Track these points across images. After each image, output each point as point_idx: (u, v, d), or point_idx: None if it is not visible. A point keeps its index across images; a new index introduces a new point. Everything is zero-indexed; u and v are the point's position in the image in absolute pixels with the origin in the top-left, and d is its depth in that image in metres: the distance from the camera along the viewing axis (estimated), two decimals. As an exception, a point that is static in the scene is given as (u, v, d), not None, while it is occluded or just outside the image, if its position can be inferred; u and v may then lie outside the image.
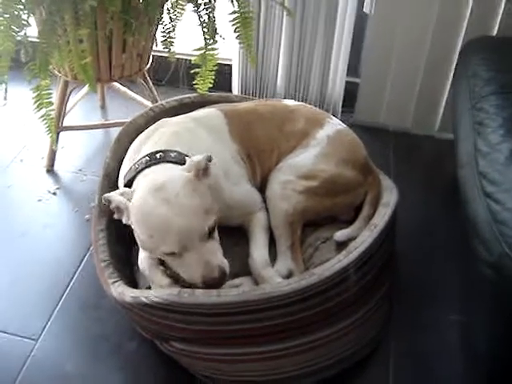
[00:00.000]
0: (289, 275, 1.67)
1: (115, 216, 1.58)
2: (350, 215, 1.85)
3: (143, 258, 1.67)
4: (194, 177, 1.51)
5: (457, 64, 2.37)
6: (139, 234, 1.51)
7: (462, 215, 1.68)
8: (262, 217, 1.80)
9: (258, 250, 1.72)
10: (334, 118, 2.01)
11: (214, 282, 1.47)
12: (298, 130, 1.91)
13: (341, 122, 2.00)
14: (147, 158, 1.62)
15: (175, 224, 1.44)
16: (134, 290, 1.57)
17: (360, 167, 1.86)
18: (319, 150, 1.85)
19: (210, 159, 1.55)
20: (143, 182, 1.55)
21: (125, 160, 1.79)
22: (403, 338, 1.81)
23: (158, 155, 1.62)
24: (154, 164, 1.60)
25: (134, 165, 1.64)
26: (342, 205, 1.83)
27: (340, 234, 1.75)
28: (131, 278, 1.75)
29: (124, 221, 1.55)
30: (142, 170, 1.61)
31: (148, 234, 1.48)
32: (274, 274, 1.65)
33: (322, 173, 1.79)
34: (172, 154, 1.62)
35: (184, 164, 1.57)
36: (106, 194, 1.57)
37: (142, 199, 1.49)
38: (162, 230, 1.45)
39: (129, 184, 1.62)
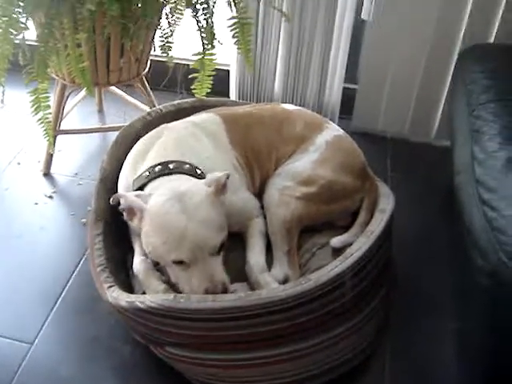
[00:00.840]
0: (285, 281, 1.67)
1: (125, 217, 1.60)
2: (347, 221, 1.85)
3: (138, 263, 1.67)
4: (214, 192, 1.56)
5: (454, 71, 2.38)
6: (151, 238, 1.53)
7: (458, 222, 1.68)
8: (260, 223, 1.80)
9: (255, 256, 1.72)
10: (332, 123, 2.02)
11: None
12: (297, 133, 1.92)
13: (339, 128, 2.00)
14: (160, 166, 1.65)
15: (191, 234, 1.48)
16: (130, 295, 1.57)
17: (358, 173, 1.87)
18: (318, 155, 1.86)
19: (228, 176, 1.60)
20: (162, 188, 1.57)
21: (123, 170, 1.80)
22: (399, 345, 1.81)
23: (171, 165, 1.64)
24: (168, 174, 1.63)
25: (144, 172, 1.66)
26: (339, 210, 1.84)
27: (336, 241, 1.75)
28: (127, 282, 1.74)
29: (135, 223, 1.58)
30: (155, 178, 1.63)
31: (162, 240, 1.50)
32: (271, 280, 1.65)
33: (320, 179, 1.80)
34: (185, 166, 1.65)
35: (195, 176, 1.62)
36: (121, 193, 1.61)
37: (161, 205, 1.52)
38: (178, 237, 1.48)
39: (139, 190, 1.64)
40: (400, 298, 1.93)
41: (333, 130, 1.96)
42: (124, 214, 1.60)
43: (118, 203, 1.60)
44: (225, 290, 1.51)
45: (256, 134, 1.91)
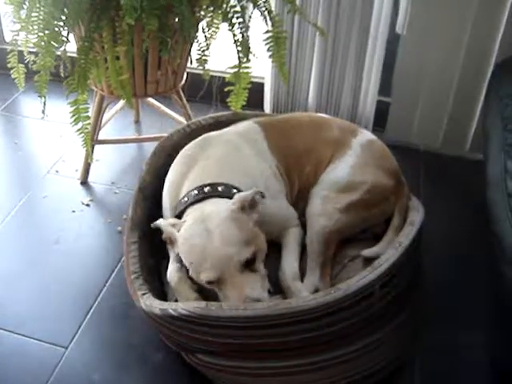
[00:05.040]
0: (315, 292, 1.67)
1: (168, 246, 1.67)
2: (382, 228, 1.85)
3: (172, 271, 1.70)
4: (238, 208, 1.57)
5: (489, 84, 2.37)
6: (184, 262, 1.58)
7: (490, 236, 1.68)
8: (297, 232, 1.82)
9: (289, 263, 1.73)
10: (364, 129, 2.05)
11: None
12: (334, 137, 1.95)
13: (371, 133, 2.03)
14: (196, 191, 1.68)
15: (211, 253, 1.50)
16: (163, 303, 1.59)
17: (393, 174, 1.88)
18: (355, 159, 1.88)
19: (262, 195, 1.62)
20: (191, 216, 1.62)
21: (165, 190, 1.83)
22: (429, 357, 1.81)
23: (206, 189, 1.67)
24: (203, 199, 1.65)
25: (183, 198, 1.70)
26: (378, 215, 1.84)
27: (368, 251, 1.76)
28: (160, 290, 1.77)
29: (174, 251, 1.63)
30: (192, 204, 1.66)
31: (189, 262, 1.55)
32: (302, 288, 1.67)
33: (362, 184, 1.81)
34: (219, 188, 1.67)
35: (230, 197, 1.63)
36: (159, 223, 1.66)
37: (187, 229, 1.57)
38: (200, 258, 1.51)
39: (179, 216, 1.68)
40: (430, 310, 1.94)
41: (366, 135, 1.99)
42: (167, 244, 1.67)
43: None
44: None
45: (295, 139, 1.93)
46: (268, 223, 1.73)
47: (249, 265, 1.52)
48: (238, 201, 1.58)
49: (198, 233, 1.53)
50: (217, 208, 1.59)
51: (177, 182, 1.78)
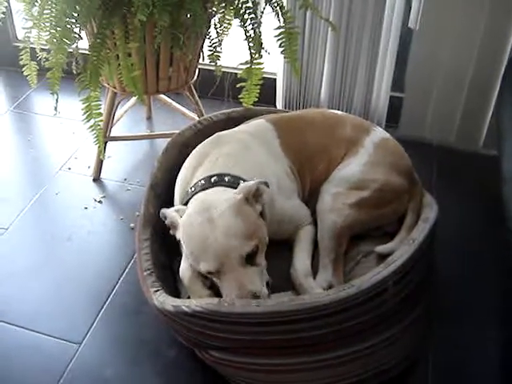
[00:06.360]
0: (328, 289, 1.66)
1: (171, 232, 1.64)
2: (395, 226, 1.85)
3: (185, 268, 1.70)
4: (242, 200, 1.54)
5: (503, 79, 2.35)
6: (185, 249, 1.57)
7: (505, 233, 1.67)
8: (310, 230, 1.82)
9: (301, 260, 1.73)
10: (378, 127, 2.03)
11: None
12: (347, 135, 1.94)
13: (385, 131, 2.02)
14: (203, 181, 1.67)
15: (213, 243, 1.48)
16: (176, 299, 1.60)
17: (405, 174, 1.87)
18: (366, 158, 1.87)
19: (266, 184, 1.59)
20: (195, 202, 1.60)
21: (176, 184, 1.83)
22: (443, 354, 1.80)
23: (212, 179, 1.66)
24: (209, 187, 1.64)
25: (190, 188, 1.69)
26: (390, 213, 1.84)
27: (381, 248, 1.75)
28: (173, 286, 1.77)
29: (177, 236, 1.61)
30: (198, 192, 1.65)
31: (190, 251, 1.54)
32: (315, 285, 1.66)
33: (372, 183, 1.81)
34: (226, 178, 1.66)
35: (235, 187, 1.61)
36: (163, 209, 1.64)
37: (189, 217, 1.55)
38: (201, 248, 1.50)
39: (186, 205, 1.67)
40: (443, 307, 1.93)
41: (380, 133, 1.98)
42: (170, 230, 1.65)
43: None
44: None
45: (308, 137, 1.92)
46: (281, 222, 1.73)
47: (250, 258, 1.51)
48: (243, 191, 1.56)
49: (200, 222, 1.51)
50: (220, 197, 1.56)
51: (187, 178, 1.78)
